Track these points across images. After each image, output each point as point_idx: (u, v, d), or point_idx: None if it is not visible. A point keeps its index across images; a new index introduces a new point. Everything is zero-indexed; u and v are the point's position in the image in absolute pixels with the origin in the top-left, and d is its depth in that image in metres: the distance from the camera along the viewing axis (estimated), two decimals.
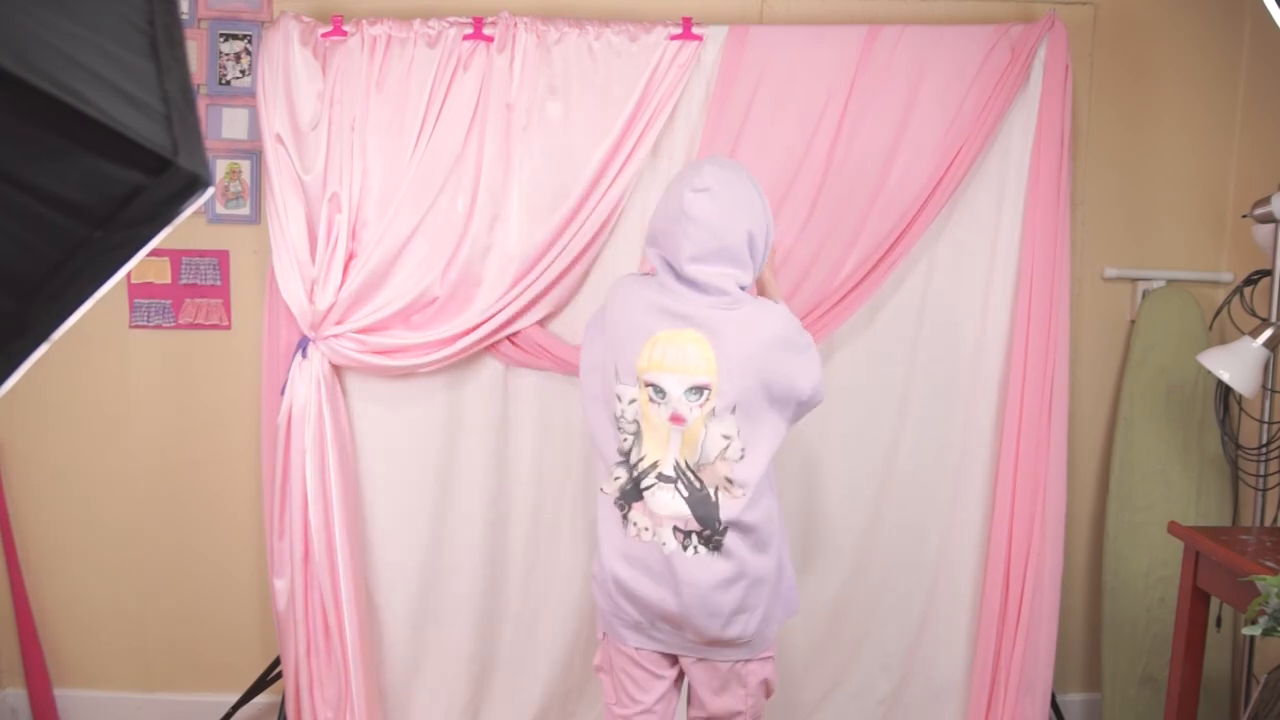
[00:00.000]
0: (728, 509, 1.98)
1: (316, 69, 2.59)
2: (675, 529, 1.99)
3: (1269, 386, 2.59)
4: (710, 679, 2.10)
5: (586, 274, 2.67)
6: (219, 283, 2.83)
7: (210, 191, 0.71)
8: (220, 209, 2.80)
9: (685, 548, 1.99)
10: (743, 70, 2.61)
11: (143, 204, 0.67)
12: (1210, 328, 2.85)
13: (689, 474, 1.98)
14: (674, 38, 2.59)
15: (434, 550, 2.76)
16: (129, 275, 2.65)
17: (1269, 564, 2.06)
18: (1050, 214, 2.62)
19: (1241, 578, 2.01)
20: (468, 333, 2.61)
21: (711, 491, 1.98)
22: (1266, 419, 2.64)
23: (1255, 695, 2.26)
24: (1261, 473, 2.67)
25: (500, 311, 2.60)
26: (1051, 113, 2.59)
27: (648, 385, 1.99)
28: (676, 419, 1.97)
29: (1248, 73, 2.84)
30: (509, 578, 2.78)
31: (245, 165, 2.79)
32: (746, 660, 2.08)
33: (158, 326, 2.84)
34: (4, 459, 2.89)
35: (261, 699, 2.86)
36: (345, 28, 2.61)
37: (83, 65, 0.64)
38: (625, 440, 2.03)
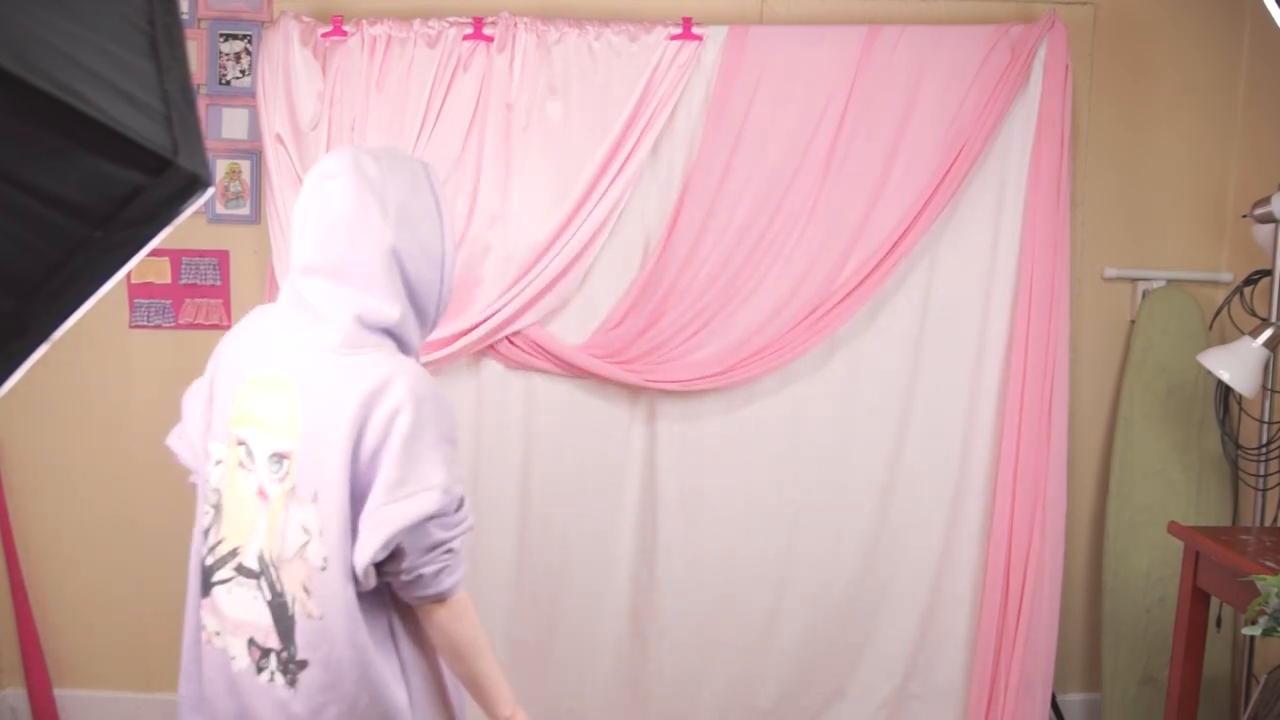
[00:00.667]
0: (304, 632, 1.45)
1: (316, 69, 2.59)
2: (251, 641, 1.48)
3: (1269, 386, 2.59)
4: None
5: (586, 274, 2.67)
6: (219, 283, 2.83)
7: (210, 191, 0.71)
8: (220, 209, 2.80)
9: (260, 670, 1.48)
10: (743, 70, 2.61)
11: (143, 204, 0.67)
12: (1210, 328, 2.85)
13: (273, 570, 1.46)
14: (674, 38, 2.59)
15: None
16: (129, 275, 2.65)
17: (1269, 564, 2.06)
18: (1050, 214, 2.62)
19: (1241, 578, 2.01)
20: (467, 332, 2.61)
21: (289, 600, 1.46)
22: (1266, 419, 2.64)
23: (1255, 695, 2.26)
24: (1261, 473, 2.67)
25: (499, 311, 2.60)
26: (1051, 113, 2.60)
27: (239, 443, 1.50)
28: (262, 494, 1.47)
29: (1248, 73, 2.84)
30: (506, 579, 2.78)
31: (245, 165, 2.79)
32: None
33: (158, 326, 2.84)
34: (4, 459, 2.89)
35: None
36: (345, 28, 2.61)
37: (83, 65, 0.64)
38: (205, 514, 1.55)
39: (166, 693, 2.97)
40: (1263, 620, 1.85)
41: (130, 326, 2.85)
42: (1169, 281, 2.87)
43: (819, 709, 2.85)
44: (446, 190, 2.57)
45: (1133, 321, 2.89)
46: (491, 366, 2.71)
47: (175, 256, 2.82)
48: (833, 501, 2.76)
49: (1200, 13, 2.82)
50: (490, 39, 2.59)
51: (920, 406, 2.74)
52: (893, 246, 2.61)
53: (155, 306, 2.84)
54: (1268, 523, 2.67)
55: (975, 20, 2.69)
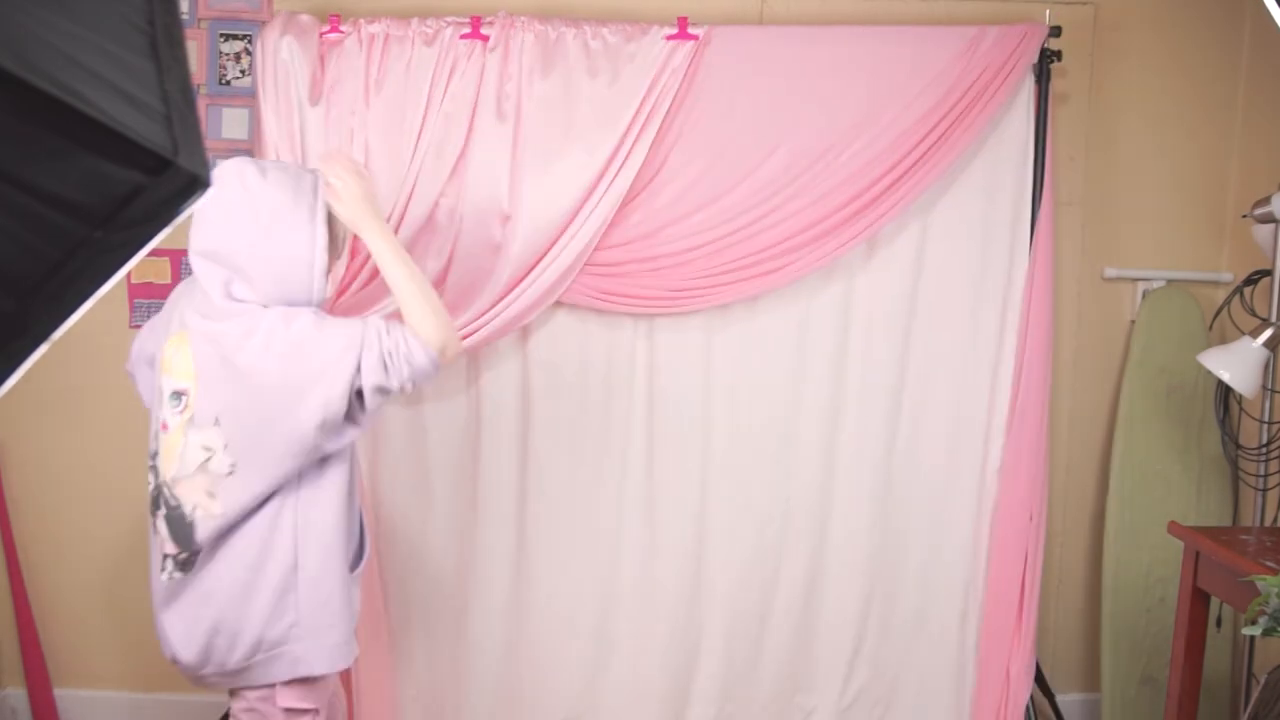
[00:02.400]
0: (203, 529, 1.83)
1: (316, 68, 2.59)
2: (165, 555, 1.87)
3: (1269, 386, 2.58)
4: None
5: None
6: None
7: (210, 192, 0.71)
8: None
9: (163, 572, 1.87)
10: (741, 70, 2.61)
11: (143, 204, 0.67)
12: (1210, 328, 2.85)
13: (167, 491, 1.85)
14: (671, 38, 2.58)
15: (433, 549, 2.76)
16: (129, 275, 2.65)
17: (1269, 564, 2.06)
18: (1043, 215, 2.65)
19: (1241, 578, 2.01)
20: (467, 335, 2.61)
21: (188, 510, 1.83)
22: (1266, 419, 2.64)
23: (1255, 695, 2.26)
24: (1261, 473, 2.67)
25: (501, 312, 2.60)
26: (1040, 114, 2.64)
27: (166, 391, 1.87)
28: (163, 426, 1.86)
29: (1248, 73, 2.84)
30: (508, 573, 2.78)
31: None
32: (251, 690, 1.93)
33: None
34: (4, 459, 2.89)
35: None
36: (343, 27, 2.60)
37: (83, 65, 0.64)
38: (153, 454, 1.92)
39: (166, 693, 2.97)
40: (1263, 620, 1.85)
41: (130, 326, 2.85)
42: (1169, 281, 2.87)
43: (814, 708, 2.85)
44: (445, 190, 2.59)
45: (1133, 321, 2.89)
46: (495, 365, 2.72)
47: (175, 256, 2.82)
48: (831, 502, 2.77)
49: (1200, 13, 2.82)
50: (487, 38, 2.59)
51: (911, 412, 2.75)
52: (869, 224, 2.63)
53: (155, 306, 2.82)
54: (1268, 523, 2.67)
55: (975, 20, 2.68)
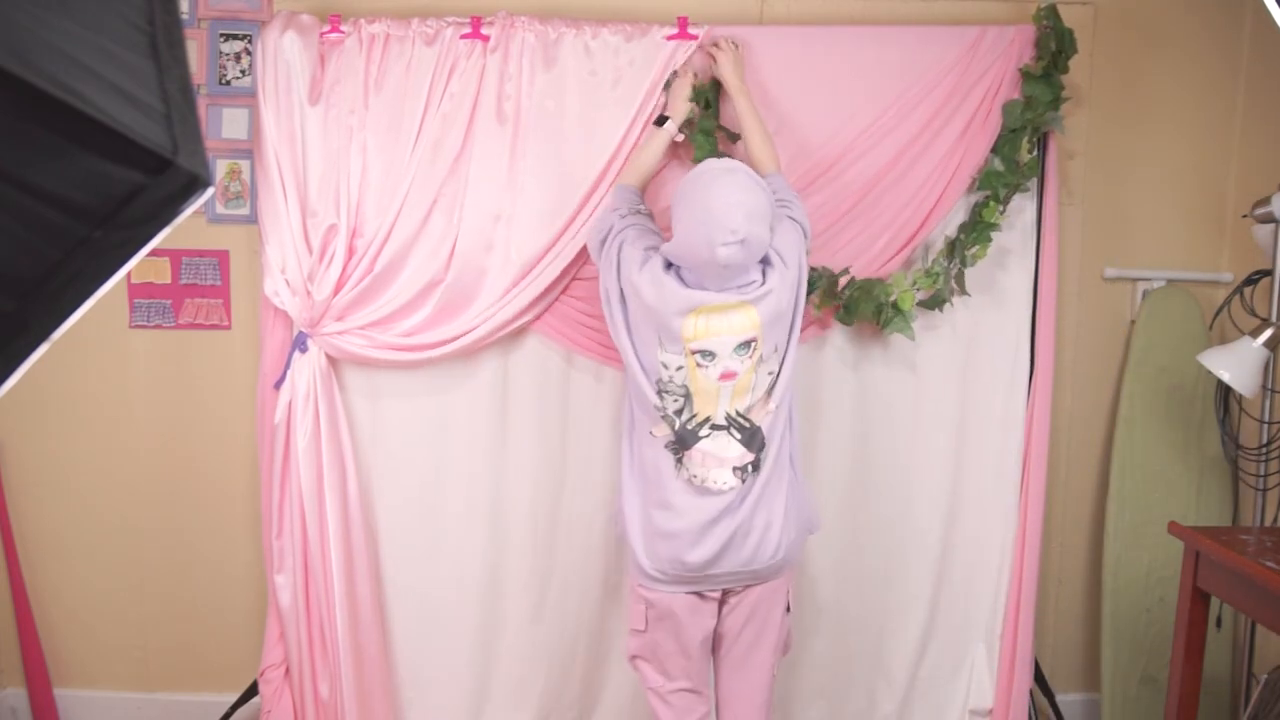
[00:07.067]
0: (767, 426, 2.19)
1: (316, 68, 2.59)
2: (734, 469, 2.17)
3: (1269, 386, 2.59)
4: (751, 613, 2.24)
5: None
6: (219, 282, 2.83)
7: (210, 191, 0.71)
8: (220, 209, 2.80)
9: (743, 480, 2.17)
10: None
11: (143, 204, 0.67)
12: (1210, 328, 2.85)
13: (740, 419, 2.17)
14: (671, 38, 2.58)
15: (433, 548, 2.76)
16: (129, 275, 2.65)
17: (1269, 564, 2.06)
18: (1046, 215, 2.66)
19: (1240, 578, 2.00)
20: (466, 334, 2.61)
21: (761, 424, 2.18)
22: (1266, 419, 2.64)
23: (1255, 695, 2.26)
24: (1261, 473, 2.67)
25: (499, 312, 2.60)
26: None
27: (694, 353, 2.14)
28: (727, 376, 2.14)
29: (1248, 73, 2.84)
30: (509, 572, 2.78)
31: (245, 165, 2.79)
32: (781, 579, 2.26)
33: (158, 326, 2.84)
34: (4, 459, 2.89)
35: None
36: (343, 27, 2.61)
37: (83, 65, 0.64)
38: (676, 401, 2.17)
39: (166, 693, 2.98)
40: None
41: (130, 326, 2.84)
42: (1169, 281, 2.87)
43: (815, 706, 2.86)
44: (445, 189, 2.59)
45: (1133, 321, 2.89)
46: (493, 364, 2.71)
47: (175, 256, 2.82)
48: (834, 514, 2.76)
49: (1200, 13, 2.82)
50: (487, 38, 2.59)
51: (916, 418, 2.76)
52: (901, 249, 2.62)
53: (155, 306, 2.84)
54: (1268, 523, 2.67)
55: (975, 20, 2.68)
